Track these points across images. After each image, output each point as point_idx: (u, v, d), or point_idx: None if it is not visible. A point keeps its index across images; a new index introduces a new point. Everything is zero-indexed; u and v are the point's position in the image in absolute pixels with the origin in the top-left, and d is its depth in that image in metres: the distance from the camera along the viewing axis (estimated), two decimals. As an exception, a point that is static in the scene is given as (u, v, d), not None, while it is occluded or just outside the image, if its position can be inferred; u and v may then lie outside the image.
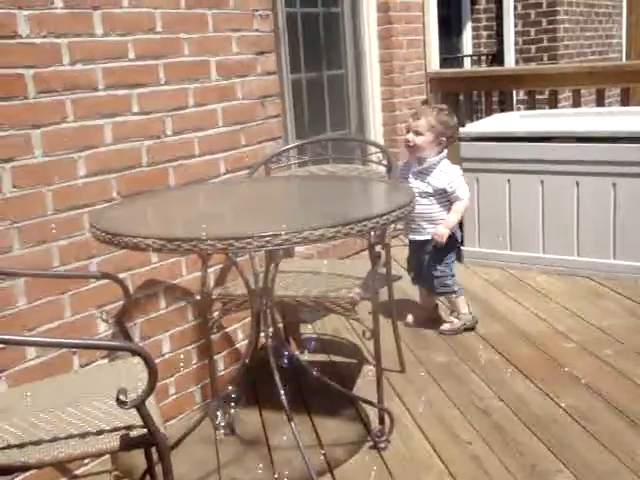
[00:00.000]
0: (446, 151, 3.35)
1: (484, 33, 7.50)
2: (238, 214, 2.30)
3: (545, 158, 4.05)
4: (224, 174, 2.94)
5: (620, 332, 3.33)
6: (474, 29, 7.51)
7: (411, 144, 3.30)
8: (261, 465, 2.50)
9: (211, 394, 2.83)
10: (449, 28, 7.25)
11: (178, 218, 2.26)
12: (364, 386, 2.93)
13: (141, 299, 2.66)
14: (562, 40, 7.25)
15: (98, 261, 2.49)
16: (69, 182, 2.39)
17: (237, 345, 3.07)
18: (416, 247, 3.46)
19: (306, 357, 3.25)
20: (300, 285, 2.69)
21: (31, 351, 2.32)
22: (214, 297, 2.69)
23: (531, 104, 5.33)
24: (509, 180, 4.18)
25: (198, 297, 2.76)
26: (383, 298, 2.89)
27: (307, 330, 3.59)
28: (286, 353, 2.63)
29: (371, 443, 2.57)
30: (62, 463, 2.26)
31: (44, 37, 2.29)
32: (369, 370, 3.03)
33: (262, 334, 2.50)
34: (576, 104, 5.13)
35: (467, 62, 7.40)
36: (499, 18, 7.34)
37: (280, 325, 3.08)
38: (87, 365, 2.47)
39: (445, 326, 3.48)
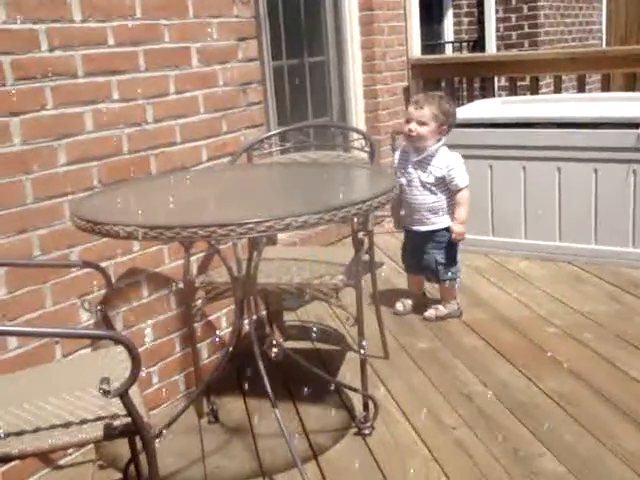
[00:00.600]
0: (444, 139, 3.33)
1: (465, 20, 7.49)
2: (220, 201, 2.28)
3: (527, 144, 4.06)
4: (206, 161, 2.92)
5: (601, 317, 3.35)
6: (455, 15, 7.50)
7: (414, 134, 3.26)
8: (246, 453, 2.50)
9: (195, 382, 2.82)
10: (430, 14, 7.24)
11: (160, 206, 2.24)
12: (348, 373, 2.93)
13: (123, 288, 2.64)
14: (543, 26, 7.25)
15: (79, 250, 2.47)
16: (49, 170, 2.37)
17: (221, 333, 3.06)
18: (419, 238, 3.42)
19: (291, 344, 3.25)
20: (283, 272, 2.67)
21: (12, 341, 2.30)
22: (197, 285, 2.68)
23: (512, 90, 5.34)
24: (491, 166, 4.19)
25: (181, 285, 2.74)
26: (366, 285, 2.89)
27: (291, 317, 3.59)
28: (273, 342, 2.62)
29: (355, 429, 2.57)
30: (45, 453, 2.24)
31: (22, 23, 2.26)
32: (353, 357, 3.03)
33: (245, 321, 2.49)
34: (557, 90, 5.15)
35: (449, 49, 7.39)
36: (480, 5, 7.33)
37: (264, 313, 3.07)
38: (69, 355, 2.45)
39: (430, 312, 3.49)
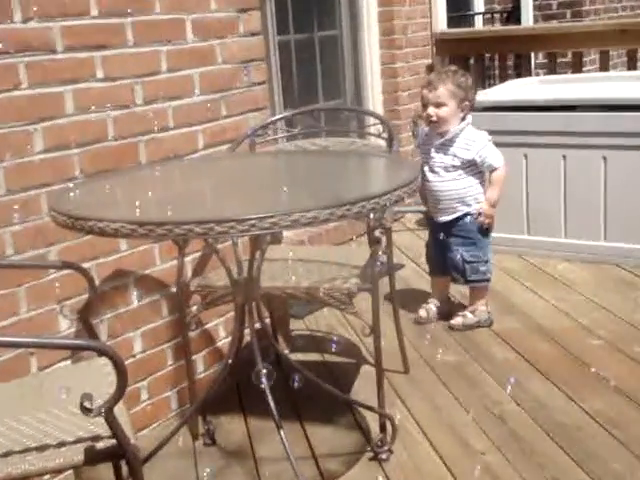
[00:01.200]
0: (470, 117, 3.35)
1: (498, -13, 7.48)
2: (219, 195, 2.29)
3: (568, 130, 4.04)
4: (203, 149, 2.92)
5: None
6: (487, -18, 7.49)
7: (434, 119, 3.29)
8: (246, 479, 2.50)
9: (189, 399, 2.82)
10: (458, -19, 7.23)
11: (150, 199, 2.24)
12: (363, 389, 2.93)
13: (108, 292, 2.64)
14: (587, -6, 7.23)
15: (58, 249, 2.47)
16: (24, 159, 2.37)
17: (219, 343, 3.06)
18: (444, 230, 3.44)
19: (298, 357, 3.25)
20: (290, 275, 2.67)
21: (-18, 352, 2.31)
22: (192, 289, 2.68)
23: (552, 68, 5.33)
24: (526, 155, 4.17)
25: (174, 289, 2.74)
26: (384, 289, 2.89)
27: (298, 326, 3.59)
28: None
29: (371, 454, 2.57)
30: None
31: (-8, -10, 2.26)
32: (368, 371, 3.02)
33: (247, 330, 2.49)
34: (604, 68, 5.13)
35: (479, 21, 7.37)
36: (515, -31, 7.32)
37: (267, 320, 3.07)
38: (47, 368, 2.45)
39: (457, 320, 3.49)
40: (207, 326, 3.01)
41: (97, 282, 2.52)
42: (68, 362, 2.48)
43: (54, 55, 2.43)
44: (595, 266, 4.07)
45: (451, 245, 3.42)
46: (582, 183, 4.07)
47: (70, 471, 2.41)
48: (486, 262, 3.44)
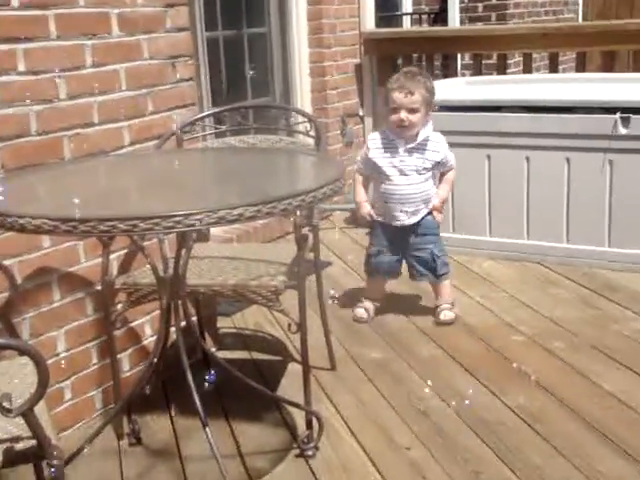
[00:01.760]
0: (430, 119, 3.40)
1: (426, -11, 7.56)
2: (144, 191, 2.26)
3: (492, 130, 4.11)
4: (129, 145, 2.88)
5: (574, 323, 3.42)
6: (415, -16, 7.57)
7: (406, 124, 3.29)
8: (171, 479, 2.48)
9: (114, 399, 2.78)
10: (386, -18, 7.29)
11: (74, 196, 2.20)
12: (290, 386, 2.93)
13: (30, 290, 2.59)
14: (512, -3, 7.36)
15: (-22, 246, 2.42)
16: (-58, 153, 2.31)
17: (144, 342, 3.03)
18: (406, 232, 3.45)
19: (225, 354, 3.24)
20: (216, 273, 2.66)
21: None
22: (117, 287, 2.64)
23: (477, 69, 5.40)
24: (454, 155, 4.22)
25: (98, 287, 2.70)
26: (311, 287, 2.89)
27: (226, 324, 3.57)
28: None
29: (297, 450, 2.57)
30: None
31: None
32: (296, 368, 3.03)
33: (173, 329, 2.47)
34: (527, 70, 5.23)
35: (407, 21, 7.44)
36: (442, -28, 7.41)
37: (194, 319, 3.05)
38: (-34, 367, 2.40)
39: (447, 314, 3.50)
40: (133, 324, 2.98)
41: (19, 280, 2.48)
42: (-12, 361, 2.43)
43: (-27, 47, 2.37)
44: (518, 264, 4.15)
45: (419, 245, 3.46)
46: (506, 182, 4.14)
47: (-11, 473, 2.37)
48: (446, 254, 3.56)
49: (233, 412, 2.81)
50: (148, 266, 2.47)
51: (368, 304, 3.60)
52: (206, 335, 3.24)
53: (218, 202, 1.85)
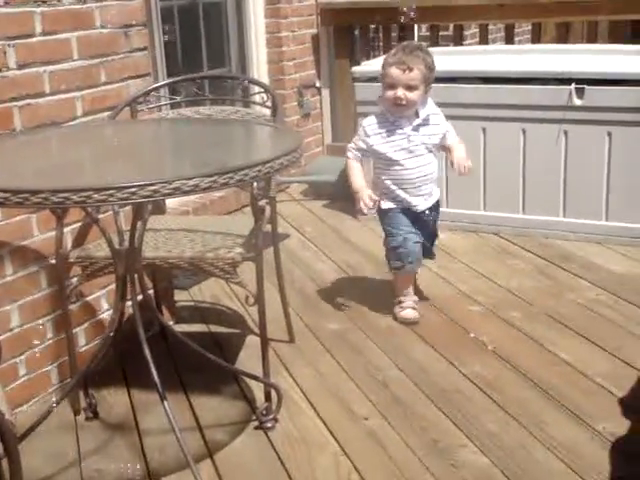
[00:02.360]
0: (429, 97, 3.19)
1: (382, -41, 7.51)
2: (98, 163, 2.23)
3: (448, 101, 4.06)
4: (82, 116, 2.84)
5: (530, 293, 3.46)
6: (371, -46, 7.50)
7: (404, 102, 3.05)
8: (129, 453, 2.47)
9: (70, 373, 2.76)
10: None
11: (26, 167, 2.16)
12: (248, 359, 2.93)
13: (-18, 264, 2.55)
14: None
15: None
16: None
17: (101, 316, 3.00)
18: (426, 217, 3.25)
19: (183, 327, 3.23)
20: (173, 245, 2.64)
21: None
22: (72, 260, 2.61)
23: (434, 41, 5.38)
24: (410, 126, 4.22)
25: (53, 261, 2.67)
26: (269, 259, 2.89)
27: (183, 297, 3.55)
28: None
29: (256, 423, 2.57)
30: None
31: None
32: (254, 341, 3.02)
33: (129, 302, 2.45)
34: (483, 41, 5.24)
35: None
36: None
37: (151, 292, 3.03)
38: None
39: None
40: (88, 298, 2.95)
41: (-30, 254, 2.44)
42: (-60, 337, 2.39)
43: None
44: (475, 235, 4.18)
45: (431, 226, 3.31)
46: (463, 154, 4.15)
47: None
48: None
49: (191, 385, 2.80)
50: (103, 239, 2.44)
51: (410, 301, 3.27)
52: (163, 308, 3.22)
53: (173, 173, 1.83)
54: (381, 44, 5.94)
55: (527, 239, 4.05)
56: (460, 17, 5.20)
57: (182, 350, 2.65)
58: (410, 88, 3.04)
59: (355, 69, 4.48)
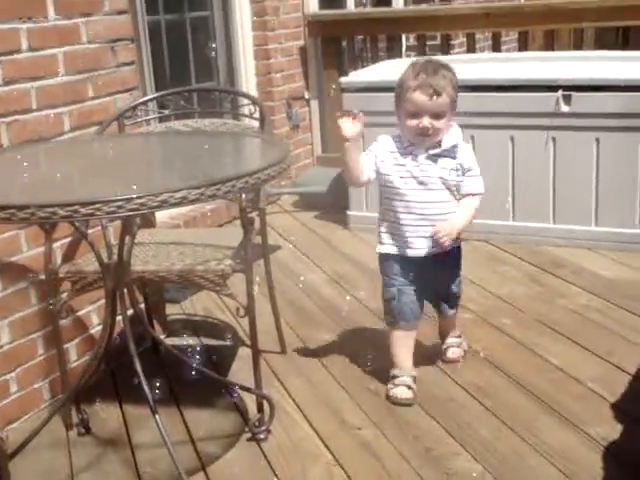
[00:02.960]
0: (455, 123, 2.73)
1: (369, -30, 7.54)
2: (86, 177, 2.23)
3: (437, 110, 4.12)
4: (69, 131, 2.84)
5: (520, 300, 3.46)
6: (358, -35, 7.54)
7: (430, 132, 2.58)
8: (122, 468, 2.46)
9: (62, 389, 2.75)
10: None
11: (13, 183, 2.16)
12: (240, 371, 2.92)
13: (-29, 281, 2.55)
14: (455, -23, 7.39)
15: None
16: None
17: (92, 331, 2.99)
18: (427, 263, 2.72)
19: (174, 341, 3.22)
20: (163, 258, 2.63)
21: None
22: (61, 275, 2.60)
23: (421, 50, 5.42)
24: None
25: (42, 276, 2.66)
26: (260, 271, 2.89)
27: (175, 311, 3.55)
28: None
29: (249, 434, 2.57)
30: None
31: None
32: (246, 353, 3.01)
33: (120, 317, 2.44)
34: (470, 50, 5.26)
35: (350, 3, 7.40)
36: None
37: (142, 306, 3.02)
38: None
39: (455, 352, 2.99)
40: (79, 313, 2.94)
41: (-42, 271, 2.43)
42: None
43: None
44: (465, 242, 4.14)
45: (446, 274, 2.85)
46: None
47: None
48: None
49: (184, 398, 2.79)
50: (92, 253, 2.44)
51: (405, 377, 2.74)
52: (155, 322, 3.21)
53: (161, 186, 1.83)
54: (369, 55, 5.96)
55: (517, 246, 4.06)
56: (446, 27, 5.23)
57: (174, 363, 2.65)
58: (437, 116, 2.57)
59: (343, 79, 4.49)
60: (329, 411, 2.68)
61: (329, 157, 5.36)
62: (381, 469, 2.36)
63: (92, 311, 2.99)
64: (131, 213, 1.79)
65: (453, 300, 2.90)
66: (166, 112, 3.14)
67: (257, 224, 2.79)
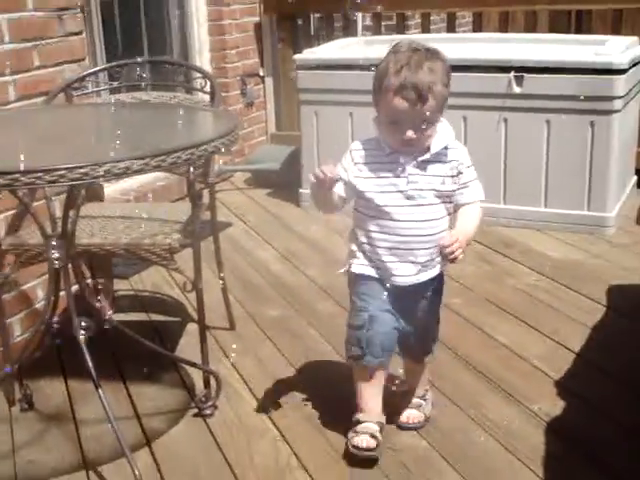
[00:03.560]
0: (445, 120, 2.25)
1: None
2: (30, 147, 2.17)
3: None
4: (15, 101, 2.79)
5: (470, 279, 3.48)
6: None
7: (415, 143, 2.13)
8: (65, 443, 2.43)
9: (4, 363, 2.70)
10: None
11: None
12: (188, 346, 2.90)
13: None
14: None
15: None
16: None
17: (37, 305, 2.95)
18: (409, 293, 2.27)
19: (122, 317, 3.18)
20: (109, 232, 2.60)
21: None
22: (4, 248, 2.56)
23: (377, 30, 5.39)
24: (351, 113, 4.22)
25: (-16, 249, 2.61)
26: (209, 247, 2.86)
27: (123, 286, 3.51)
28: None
29: (195, 410, 2.55)
30: None
31: None
32: (195, 328, 2.99)
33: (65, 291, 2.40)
34: (426, 30, 5.25)
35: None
36: None
37: (89, 281, 2.98)
38: None
39: (416, 415, 2.44)
40: (24, 287, 2.89)
41: None
42: None
43: None
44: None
45: (421, 311, 2.32)
46: (404, 141, 4.16)
47: None
48: None
49: (130, 374, 2.76)
50: (36, 226, 2.39)
51: (370, 423, 2.28)
52: (102, 297, 3.17)
53: (104, 156, 1.79)
54: (324, 33, 5.92)
55: (468, 226, 4.07)
56: (401, 6, 5.22)
57: (121, 339, 2.60)
58: (424, 123, 2.12)
59: (297, 57, 4.47)
60: (276, 387, 2.67)
61: (283, 135, 5.32)
62: (326, 443, 2.36)
63: (37, 285, 2.95)
64: (73, 182, 1.76)
65: (429, 342, 2.39)
66: (115, 84, 3.08)
67: (206, 199, 2.76)
